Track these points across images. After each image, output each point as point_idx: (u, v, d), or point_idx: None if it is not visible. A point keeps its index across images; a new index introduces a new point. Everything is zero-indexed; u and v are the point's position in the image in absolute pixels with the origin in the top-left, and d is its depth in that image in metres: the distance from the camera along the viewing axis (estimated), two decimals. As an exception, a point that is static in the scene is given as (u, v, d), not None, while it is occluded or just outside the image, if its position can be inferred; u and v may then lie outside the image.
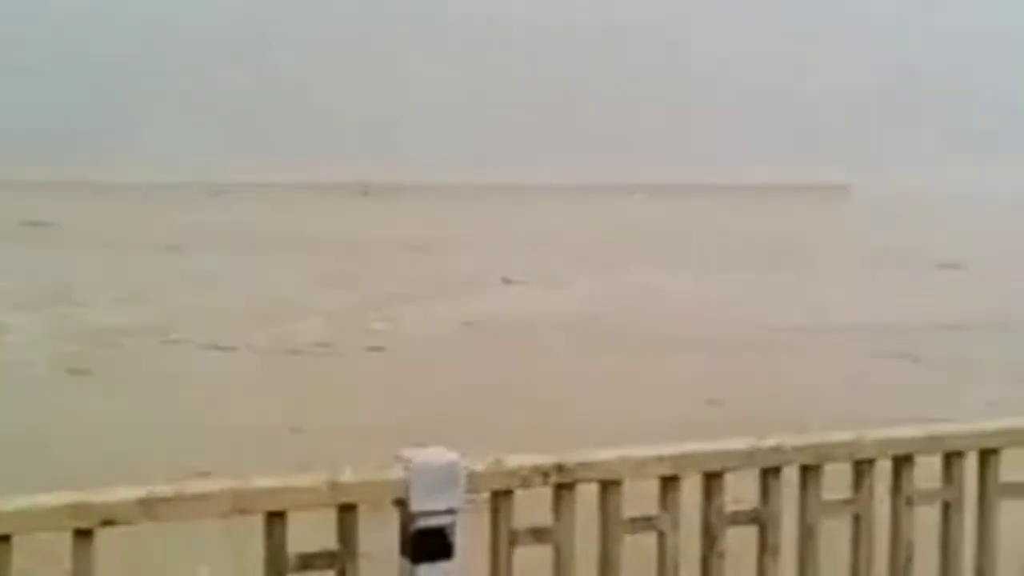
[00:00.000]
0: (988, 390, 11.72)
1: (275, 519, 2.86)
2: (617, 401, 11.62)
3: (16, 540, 2.61)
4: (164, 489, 2.69)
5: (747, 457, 3.39)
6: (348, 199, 50.45)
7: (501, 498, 3.12)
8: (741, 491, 3.51)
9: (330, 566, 2.95)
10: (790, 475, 3.44)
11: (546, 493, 3.20)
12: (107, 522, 2.66)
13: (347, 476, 2.93)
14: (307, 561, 2.91)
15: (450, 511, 3.00)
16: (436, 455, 3.02)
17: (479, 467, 3.08)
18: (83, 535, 2.65)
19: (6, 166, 48.77)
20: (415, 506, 2.97)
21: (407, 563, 3.01)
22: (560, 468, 3.18)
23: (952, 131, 69.15)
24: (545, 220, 38.97)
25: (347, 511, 2.96)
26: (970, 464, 3.64)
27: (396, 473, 2.98)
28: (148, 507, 2.67)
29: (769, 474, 3.39)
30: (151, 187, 48.46)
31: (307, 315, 17.36)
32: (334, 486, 2.90)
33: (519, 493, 3.15)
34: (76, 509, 2.64)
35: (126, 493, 2.67)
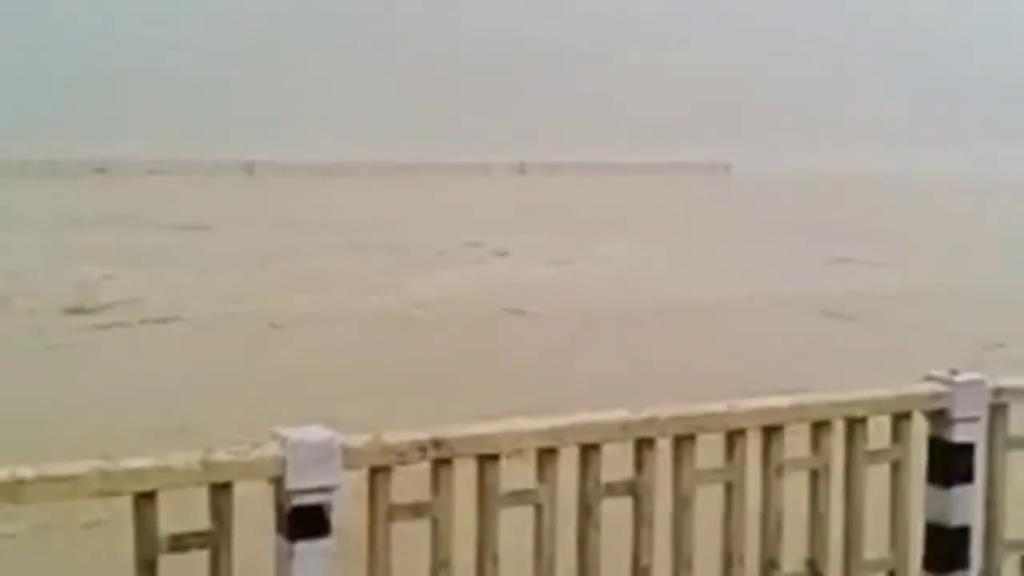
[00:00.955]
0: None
1: (145, 500, 2.81)
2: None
3: None
4: (26, 471, 2.62)
5: (622, 429, 3.44)
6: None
7: (379, 474, 3.12)
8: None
9: (204, 546, 2.91)
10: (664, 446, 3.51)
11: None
12: (-32, 506, 2.59)
13: (220, 455, 2.89)
14: (179, 542, 2.87)
15: (326, 488, 2.98)
16: (312, 432, 3.00)
17: (356, 443, 3.07)
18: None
19: None
20: (291, 484, 2.94)
21: (284, 541, 2.98)
22: (438, 443, 3.19)
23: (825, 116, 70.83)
24: (434, 197, 38.95)
25: (221, 490, 2.92)
26: (837, 432, 3.75)
27: (271, 451, 2.95)
28: (11, 489, 2.60)
29: (643, 445, 3.45)
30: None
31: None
32: (207, 465, 2.86)
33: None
34: (-64, 493, 2.56)
35: (-13, 475, 2.60)
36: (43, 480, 2.65)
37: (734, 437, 3.56)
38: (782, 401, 3.71)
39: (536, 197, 39.78)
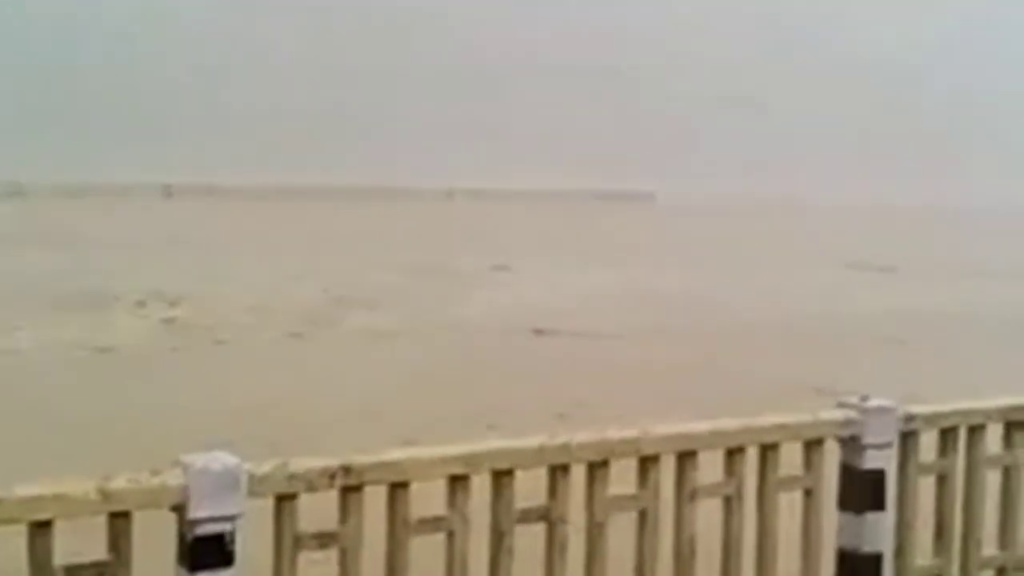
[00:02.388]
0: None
1: (40, 529, 2.71)
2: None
3: None
4: (-88, 500, 2.51)
5: (536, 455, 3.40)
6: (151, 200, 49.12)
7: (285, 502, 3.05)
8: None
9: (101, 577, 2.82)
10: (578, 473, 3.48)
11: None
12: None
13: (119, 483, 2.80)
14: (75, 573, 2.77)
15: (230, 517, 2.90)
16: (215, 459, 2.92)
17: (262, 470, 3.00)
18: None
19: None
20: (193, 512, 2.86)
21: (185, 573, 2.90)
22: (347, 470, 3.12)
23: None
24: (352, 222, 38.78)
25: (119, 519, 2.83)
26: (750, 458, 3.76)
27: (173, 479, 2.87)
28: None
29: (557, 471, 3.42)
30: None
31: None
32: (104, 493, 2.77)
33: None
34: None
35: None
36: (-70, 509, 2.55)
37: (647, 463, 3.55)
38: (696, 426, 3.70)
39: (485, 223, 39.67)
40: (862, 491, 3.87)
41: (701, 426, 3.70)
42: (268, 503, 3.04)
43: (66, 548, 2.81)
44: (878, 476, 3.89)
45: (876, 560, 3.90)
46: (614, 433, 3.51)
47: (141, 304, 17.48)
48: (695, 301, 19.51)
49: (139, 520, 2.87)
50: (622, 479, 3.57)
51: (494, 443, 3.40)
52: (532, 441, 3.42)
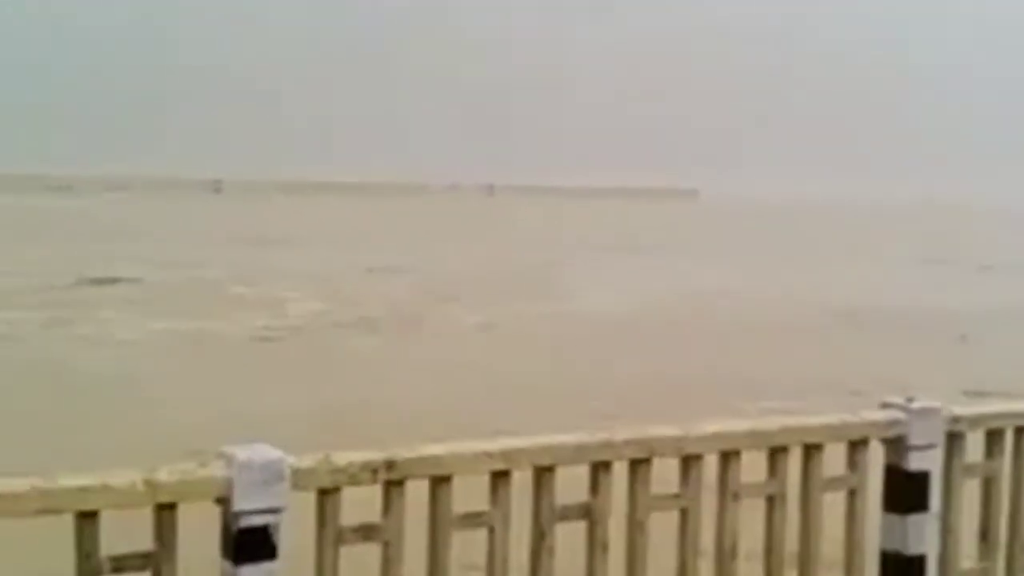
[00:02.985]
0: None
1: (86, 520, 2.74)
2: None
3: None
4: (-38, 489, 2.55)
5: (577, 451, 3.40)
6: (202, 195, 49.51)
7: (328, 496, 3.06)
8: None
9: (145, 568, 2.85)
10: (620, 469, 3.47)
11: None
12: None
13: (164, 474, 2.83)
14: (121, 564, 2.80)
15: (274, 510, 2.92)
16: (259, 452, 2.94)
17: (305, 464, 3.02)
18: None
19: None
20: (237, 505, 2.88)
21: (229, 565, 2.92)
22: (390, 464, 3.13)
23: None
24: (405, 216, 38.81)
25: (165, 510, 2.85)
26: (794, 459, 3.73)
27: (217, 471, 2.89)
28: (-54, 508, 2.53)
29: (599, 468, 3.41)
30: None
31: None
32: (151, 485, 2.80)
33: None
34: None
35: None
36: (-21, 498, 2.58)
37: (690, 461, 3.53)
38: (739, 426, 3.69)
39: (553, 219, 39.33)
40: (907, 492, 3.83)
41: (744, 425, 3.68)
42: (311, 496, 3.06)
43: (114, 538, 2.84)
44: (923, 478, 3.85)
45: (920, 562, 3.86)
46: (656, 430, 3.50)
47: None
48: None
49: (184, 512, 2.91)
50: (662, 478, 3.56)
51: (535, 439, 3.39)
52: (573, 437, 3.42)
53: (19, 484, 2.67)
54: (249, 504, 2.88)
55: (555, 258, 24.92)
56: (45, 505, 2.67)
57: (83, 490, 2.72)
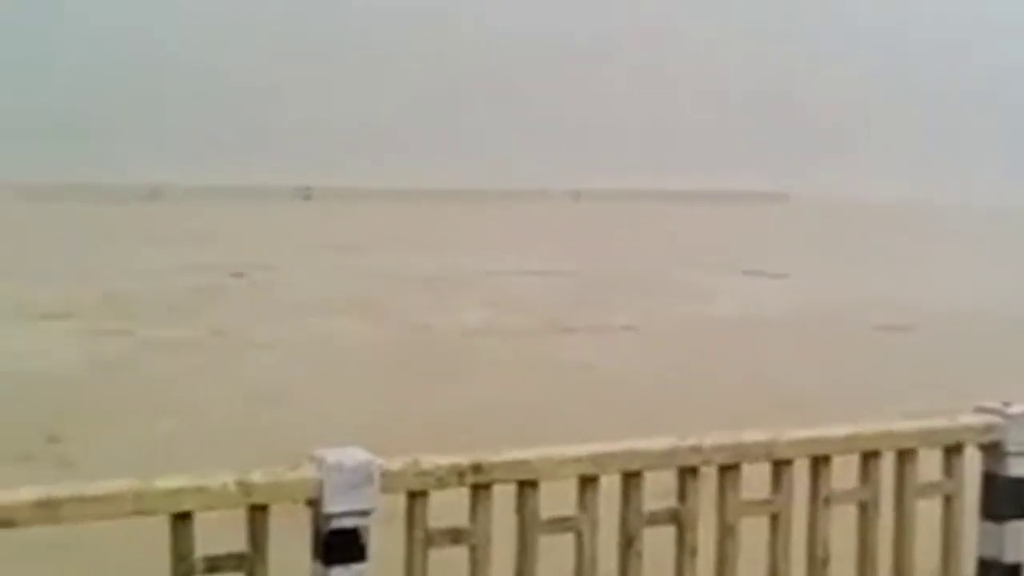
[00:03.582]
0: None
1: (181, 521, 2.79)
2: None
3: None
4: (62, 490, 2.62)
5: (666, 456, 3.38)
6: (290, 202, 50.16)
7: (416, 498, 3.09)
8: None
9: (239, 569, 2.89)
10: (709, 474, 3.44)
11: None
12: (5, 524, 2.59)
13: (257, 476, 2.87)
14: (215, 564, 2.85)
15: (364, 512, 2.95)
16: (349, 455, 2.97)
17: (394, 467, 3.04)
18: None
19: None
20: (328, 507, 2.92)
21: (319, 566, 2.96)
22: (477, 468, 3.15)
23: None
24: (509, 221, 38.86)
25: (257, 512, 2.90)
26: (887, 464, 3.67)
27: (308, 473, 2.93)
28: (47, 509, 2.60)
29: (687, 473, 3.39)
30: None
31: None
32: (243, 486, 2.84)
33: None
34: (-28, 511, 2.56)
35: (23, 495, 2.59)
36: (77, 500, 2.65)
37: (780, 467, 3.49)
38: (831, 431, 3.63)
39: (653, 225, 38.99)
40: (1004, 499, 3.74)
41: (836, 430, 3.62)
42: (400, 499, 3.09)
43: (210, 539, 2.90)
44: (1021, 484, 3.76)
45: (1017, 570, 3.77)
46: (746, 435, 3.46)
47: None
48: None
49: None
50: (752, 484, 3.53)
51: (623, 444, 3.38)
52: (662, 442, 3.40)
53: (115, 486, 2.74)
54: (339, 506, 2.91)
55: (663, 262, 24.82)
56: (140, 506, 2.73)
57: (177, 491, 2.78)
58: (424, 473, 3.08)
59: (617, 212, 46.02)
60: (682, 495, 3.40)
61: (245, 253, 23.95)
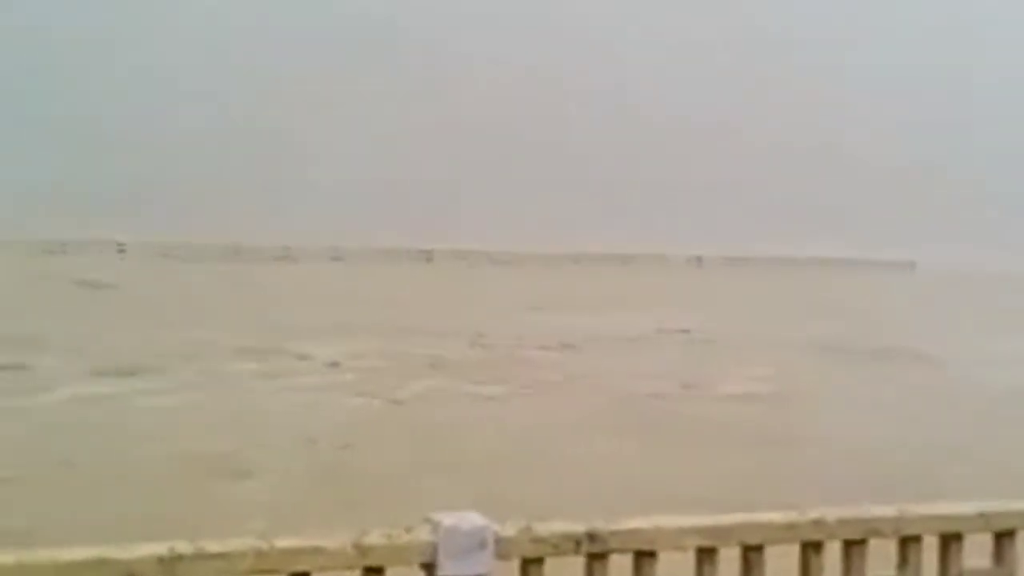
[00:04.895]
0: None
1: (297, 582, 2.81)
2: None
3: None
4: (184, 547, 2.66)
5: (787, 530, 3.29)
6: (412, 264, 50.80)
7: (531, 565, 3.05)
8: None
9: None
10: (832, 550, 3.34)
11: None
12: (129, 579, 2.63)
13: (373, 538, 2.88)
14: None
15: (478, 577, 2.93)
16: (465, 519, 2.96)
17: (509, 532, 3.02)
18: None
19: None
20: (443, 570, 2.91)
21: (434, 628, 2.94)
22: (592, 537, 3.11)
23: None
24: (622, 286, 38.77)
25: (372, 574, 2.90)
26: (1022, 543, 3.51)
27: (424, 536, 2.93)
28: (168, 565, 2.64)
29: (809, 549, 3.29)
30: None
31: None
32: (360, 548, 2.85)
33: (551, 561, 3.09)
34: (98, 565, 2.62)
35: (147, 550, 2.64)
36: (199, 557, 2.68)
37: (908, 543, 3.36)
38: (962, 507, 3.49)
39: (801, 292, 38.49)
40: None
41: (967, 507, 3.48)
42: (514, 565, 3.06)
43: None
44: None
45: None
46: (873, 510, 3.35)
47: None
48: None
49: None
50: (877, 560, 3.41)
51: (743, 516, 3.30)
52: (783, 515, 3.31)
53: (238, 544, 2.77)
54: (453, 570, 2.90)
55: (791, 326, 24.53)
56: (259, 565, 2.75)
57: (295, 551, 2.80)
58: (539, 540, 3.05)
59: (732, 277, 45.60)
60: (804, 571, 3.30)
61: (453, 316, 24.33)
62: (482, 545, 2.93)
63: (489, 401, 13.97)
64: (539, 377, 16.02)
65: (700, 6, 71.57)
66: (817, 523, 3.29)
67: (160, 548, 2.66)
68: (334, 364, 16.68)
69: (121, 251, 44.98)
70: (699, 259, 58.62)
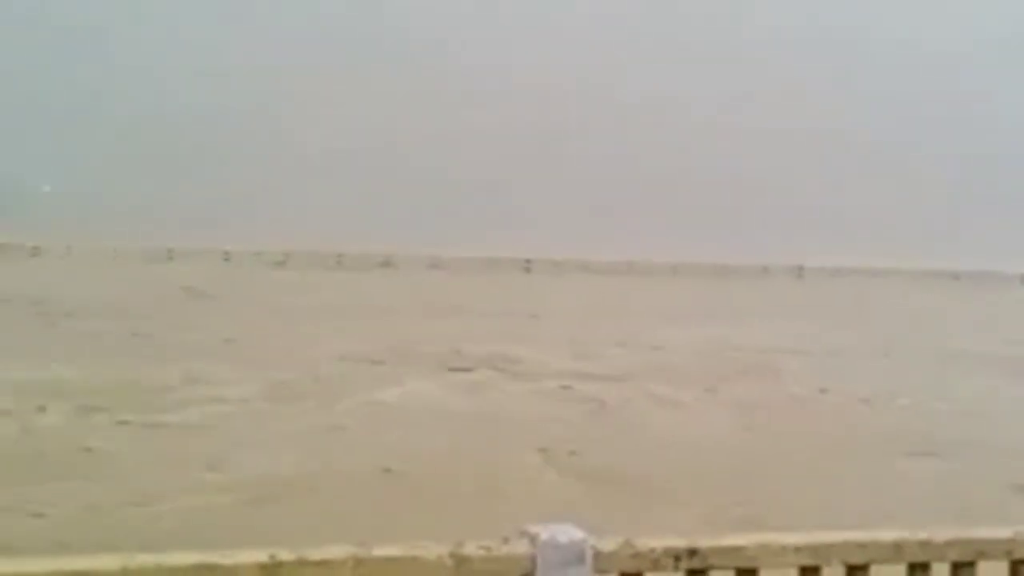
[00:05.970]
0: None
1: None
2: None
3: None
4: (285, 554, 2.68)
5: (894, 550, 3.20)
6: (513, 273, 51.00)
7: (629, 581, 3.02)
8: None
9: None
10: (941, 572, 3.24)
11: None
12: (231, 585, 2.66)
13: (471, 548, 2.87)
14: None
15: (576, 591, 2.90)
16: (562, 532, 2.94)
17: (608, 547, 2.99)
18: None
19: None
20: (540, 583, 2.89)
21: (530, 642, 2.92)
22: (693, 552, 3.06)
23: None
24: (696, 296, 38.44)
25: (468, 585, 2.89)
26: None
27: (522, 548, 2.91)
28: (269, 572, 2.66)
29: (917, 569, 3.20)
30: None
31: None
32: (457, 559, 2.84)
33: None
34: (201, 570, 2.65)
35: (248, 556, 2.67)
36: (300, 563, 2.70)
37: (1019, 568, 3.25)
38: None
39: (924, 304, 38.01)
40: None
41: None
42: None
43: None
44: None
45: None
46: (983, 532, 3.24)
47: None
48: None
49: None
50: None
51: (848, 534, 3.22)
52: (891, 534, 3.22)
53: (336, 551, 2.78)
54: (551, 583, 2.87)
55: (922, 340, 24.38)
56: (358, 572, 2.76)
57: (393, 560, 2.80)
58: (638, 555, 3.01)
59: (835, 288, 44.83)
60: (911, 592, 3.21)
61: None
62: (580, 559, 2.90)
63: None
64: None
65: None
66: (925, 544, 3.20)
67: (261, 555, 2.68)
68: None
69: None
70: (800, 269, 57.85)
